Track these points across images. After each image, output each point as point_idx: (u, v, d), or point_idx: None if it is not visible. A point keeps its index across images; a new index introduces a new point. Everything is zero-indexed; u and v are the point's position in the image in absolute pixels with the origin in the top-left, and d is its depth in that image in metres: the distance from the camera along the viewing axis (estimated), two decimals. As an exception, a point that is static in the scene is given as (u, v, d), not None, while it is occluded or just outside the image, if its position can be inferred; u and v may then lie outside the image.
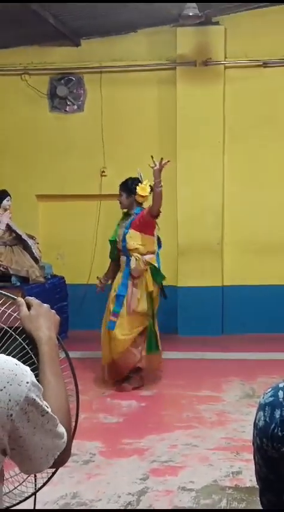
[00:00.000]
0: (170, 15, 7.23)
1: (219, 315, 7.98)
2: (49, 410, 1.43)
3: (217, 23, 7.73)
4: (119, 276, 6.00)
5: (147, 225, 5.91)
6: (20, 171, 8.17)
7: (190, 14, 6.69)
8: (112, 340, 5.85)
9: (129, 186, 6.06)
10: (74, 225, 8.27)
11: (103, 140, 8.05)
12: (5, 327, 1.74)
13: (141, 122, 8.01)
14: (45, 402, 1.43)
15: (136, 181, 6.03)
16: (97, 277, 6.39)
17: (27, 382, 1.36)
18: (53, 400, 1.53)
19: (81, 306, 8.09)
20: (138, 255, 5.88)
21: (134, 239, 5.89)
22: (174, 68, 7.84)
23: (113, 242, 6.13)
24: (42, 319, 1.67)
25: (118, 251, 6.04)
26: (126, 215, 6.13)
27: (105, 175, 8.11)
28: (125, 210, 6.16)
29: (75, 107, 8.19)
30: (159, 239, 6.18)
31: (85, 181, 8.13)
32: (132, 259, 5.86)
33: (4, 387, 1.33)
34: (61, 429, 1.47)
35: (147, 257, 5.93)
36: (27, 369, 1.40)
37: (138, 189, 5.94)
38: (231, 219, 7.96)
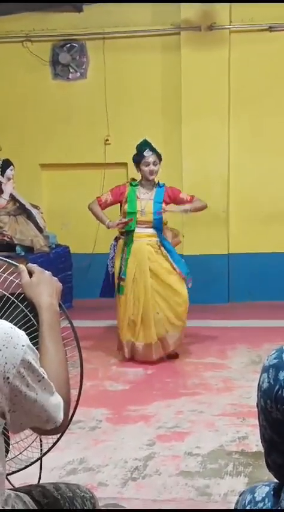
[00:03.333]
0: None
1: (225, 283, 7.97)
2: (45, 376, 1.41)
3: (221, -14, 7.58)
4: (142, 249, 5.71)
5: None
6: (23, 140, 8.11)
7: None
8: (181, 306, 5.80)
9: (158, 152, 5.85)
10: (78, 194, 8.22)
11: (107, 108, 7.96)
12: (7, 294, 1.73)
13: (145, 88, 7.91)
14: (41, 369, 1.41)
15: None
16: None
17: (23, 345, 1.35)
18: (51, 366, 1.52)
19: (86, 275, 8.07)
20: (169, 227, 5.96)
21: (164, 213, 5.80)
22: (178, 33, 7.71)
23: (133, 214, 5.73)
24: (43, 286, 1.65)
25: (139, 223, 5.73)
26: (143, 185, 5.81)
27: (108, 144, 8.04)
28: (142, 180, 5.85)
29: (78, 74, 8.09)
30: None
31: (89, 150, 8.06)
32: (170, 232, 5.92)
33: (0, 350, 1.31)
34: (57, 398, 1.45)
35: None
36: (23, 332, 1.38)
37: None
38: (237, 187, 7.90)
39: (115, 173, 8.14)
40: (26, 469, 2.03)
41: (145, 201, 5.76)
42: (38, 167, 8.29)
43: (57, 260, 7.43)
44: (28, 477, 2.13)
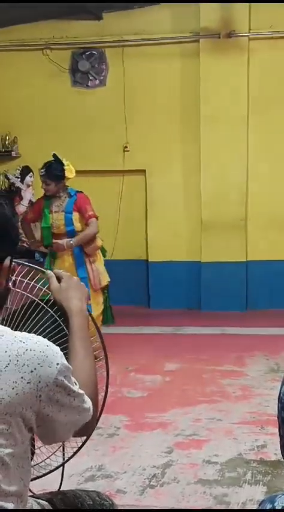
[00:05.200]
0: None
1: (243, 290, 7.95)
2: (76, 387, 1.43)
3: (241, -6, 7.59)
4: (66, 260, 5.88)
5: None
6: (42, 147, 8.13)
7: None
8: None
9: (55, 173, 5.87)
10: (97, 201, 8.18)
11: (126, 115, 7.99)
12: (37, 300, 1.75)
13: (164, 96, 7.92)
14: (73, 379, 1.43)
15: (58, 166, 5.87)
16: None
17: (58, 364, 1.37)
18: (80, 369, 1.54)
19: (104, 281, 8.08)
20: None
21: (79, 221, 5.88)
22: (198, 40, 7.72)
23: (47, 228, 5.87)
24: (72, 291, 1.67)
25: (55, 236, 5.86)
26: (54, 198, 5.92)
27: (127, 151, 8.06)
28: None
29: (97, 81, 8.13)
30: None
31: (108, 157, 8.09)
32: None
33: (35, 369, 1.34)
34: (87, 404, 1.47)
35: None
36: (58, 349, 1.40)
37: (67, 173, 5.88)
38: (255, 194, 7.88)
39: (134, 180, 8.17)
40: (46, 475, 2.04)
41: (57, 214, 5.87)
42: (56, 174, 8.31)
43: (76, 266, 7.46)
44: (46, 483, 2.13)
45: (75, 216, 5.85)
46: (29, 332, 1.69)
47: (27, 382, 1.33)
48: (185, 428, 4.44)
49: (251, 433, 4.32)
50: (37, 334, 1.65)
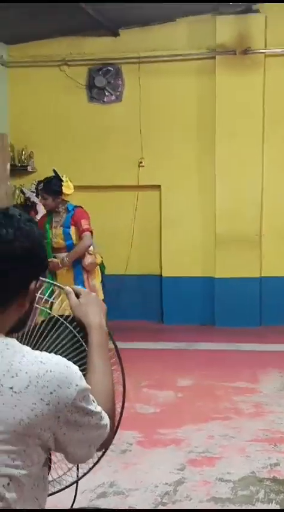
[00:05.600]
0: (210, 4, 7.15)
1: (257, 306, 7.92)
2: (94, 405, 1.43)
3: (257, 11, 7.63)
4: (65, 276, 5.92)
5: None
6: (58, 162, 8.18)
7: (230, 2, 6.61)
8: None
9: (54, 188, 6.00)
10: (112, 215, 8.28)
11: (141, 131, 8.03)
12: (56, 316, 1.77)
13: (179, 112, 7.97)
14: (91, 397, 1.43)
15: (57, 181, 6.00)
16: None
17: (77, 385, 1.38)
18: (98, 385, 1.55)
19: (118, 296, 8.10)
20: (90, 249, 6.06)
21: (75, 235, 5.98)
22: (214, 57, 7.77)
23: (47, 244, 5.90)
24: (92, 307, 1.69)
25: (55, 250, 5.97)
26: (53, 213, 6.08)
27: (142, 166, 8.10)
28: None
29: (113, 97, 8.18)
30: None
31: (123, 172, 8.13)
32: (88, 255, 6.02)
33: (54, 390, 1.35)
34: (105, 420, 1.48)
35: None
36: (77, 369, 1.41)
37: (64, 189, 5.99)
38: (270, 210, 7.88)
39: (149, 195, 8.20)
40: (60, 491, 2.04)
41: (55, 229, 6.02)
42: (72, 188, 8.36)
43: (90, 281, 7.48)
44: (59, 500, 2.13)
45: (72, 230, 5.98)
46: (48, 348, 1.70)
47: (46, 404, 1.34)
48: (198, 445, 4.42)
49: (264, 451, 4.29)
50: (56, 350, 1.67)
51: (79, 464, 1.94)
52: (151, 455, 4.26)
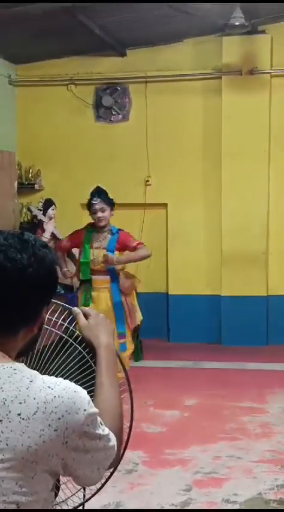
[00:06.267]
0: (216, 25, 7.21)
1: (264, 325, 7.90)
2: (102, 429, 1.43)
3: (263, 32, 7.68)
4: (102, 296, 5.79)
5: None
6: (65, 180, 8.25)
7: (237, 23, 6.66)
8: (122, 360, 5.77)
9: (109, 199, 5.85)
10: (118, 233, 8.29)
11: (148, 150, 8.07)
12: (65, 337, 1.78)
13: (186, 131, 8.00)
14: (99, 419, 1.43)
15: (106, 193, 5.91)
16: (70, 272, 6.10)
17: (85, 410, 1.38)
18: (105, 405, 1.55)
19: (125, 314, 8.09)
20: (125, 272, 5.94)
21: None
22: (220, 77, 7.81)
23: (86, 264, 5.79)
24: (101, 328, 1.71)
25: (93, 272, 5.79)
26: (95, 233, 5.87)
27: (149, 185, 8.13)
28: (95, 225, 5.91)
29: (120, 116, 8.24)
30: None
31: (130, 191, 8.15)
32: (123, 278, 5.85)
33: (62, 416, 1.35)
34: (112, 441, 1.48)
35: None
36: (85, 394, 1.41)
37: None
38: (276, 228, 7.89)
39: (155, 213, 8.22)
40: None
41: (98, 250, 5.79)
42: (79, 207, 8.37)
43: (96, 299, 7.48)
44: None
45: (116, 254, 5.79)
46: (58, 368, 1.71)
47: (55, 430, 1.33)
48: (204, 465, 4.40)
49: (271, 472, 4.27)
50: (66, 371, 1.68)
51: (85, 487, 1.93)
52: (157, 476, 4.24)
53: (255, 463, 4.42)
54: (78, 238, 5.93)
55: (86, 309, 1.78)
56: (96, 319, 1.72)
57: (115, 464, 1.57)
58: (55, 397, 1.35)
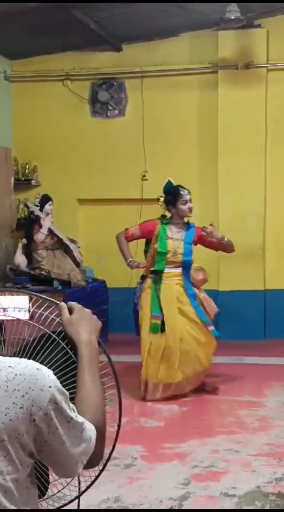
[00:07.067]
0: (211, 19, 7.20)
1: (261, 320, 7.91)
2: (74, 415, 1.42)
3: (259, 26, 7.68)
4: (173, 288, 5.72)
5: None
6: (62, 176, 8.24)
7: (232, 17, 6.66)
8: (211, 346, 5.79)
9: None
10: (115, 229, 8.22)
11: (144, 145, 8.06)
12: (48, 332, 1.76)
13: (182, 126, 8.00)
14: (71, 405, 1.42)
15: None
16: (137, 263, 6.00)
17: (50, 387, 1.36)
18: (87, 399, 1.54)
19: (122, 309, 8.08)
20: (196, 266, 5.89)
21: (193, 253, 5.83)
22: (216, 71, 7.81)
23: (164, 254, 5.73)
24: (83, 323, 1.67)
25: (167, 263, 5.73)
26: (172, 224, 5.85)
27: (146, 180, 8.13)
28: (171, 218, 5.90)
29: (117, 111, 8.22)
30: None
31: (127, 186, 8.15)
32: (194, 270, 5.83)
33: (26, 393, 1.34)
34: (89, 433, 1.46)
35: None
36: (50, 373, 1.40)
37: None
38: (273, 223, 7.89)
39: (152, 209, 8.17)
40: (64, 507, 2.03)
41: (177, 242, 5.76)
42: (75, 202, 8.40)
43: (94, 294, 7.49)
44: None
45: (192, 247, 5.80)
46: (41, 364, 1.70)
47: (20, 407, 1.33)
48: (202, 459, 4.40)
49: (269, 466, 4.27)
50: (49, 366, 1.66)
51: (80, 479, 1.93)
52: (156, 470, 4.24)
53: (253, 457, 4.42)
54: (150, 230, 5.87)
55: (72, 303, 1.74)
56: (79, 314, 1.68)
57: (97, 461, 1.55)
58: (16, 375, 1.34)
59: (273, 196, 7.84)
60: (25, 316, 1.82)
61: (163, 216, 5.96)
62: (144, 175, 8.12)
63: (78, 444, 1.42)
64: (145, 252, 6.04)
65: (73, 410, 1.43)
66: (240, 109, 7.65)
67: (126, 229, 6.07)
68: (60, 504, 2.00)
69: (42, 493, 1.80)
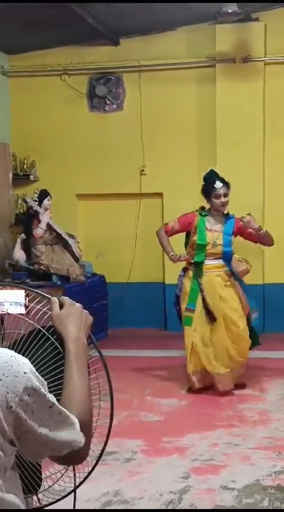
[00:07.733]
0: (209, 13, 7.18)
1: (261, 313, 7.88)
2: (53, 400, 1.41)
3: (256, 19, 7.66)
4: (215, 280, 5.68)
5: None
6: (60, 171, 8.24)
7: (229, 11, 6.64)
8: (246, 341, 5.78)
9: (229, 183, 5.81)
10: (114, 223, 8.30)
11: (143, 139, 8.05)
12: (38, 326, 1.75)
13: (180, 120, 7.99)
14: (50, 396, 1.41)
15: None
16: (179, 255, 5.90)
17: (25, 372, 1.36)
18: (74, 393, 1.53)
19: (121, 304, 8.10)
20: (238, 257, 5.89)
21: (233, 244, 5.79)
22: (214, 65, 7.80)
23: (204, 246, 5.68)
24: (72, 319, 1.66)
25: (207, 254, 5.69)
26: (210, 216, 5.77)
27: (144, 174, 8.12)
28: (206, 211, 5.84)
29: (114, 106, 8.21)
30: None
31: (125, 180, 8.14)
32: (236, 262, 5.83)
33: (0, 380, 1.33)
34: (73, 420, 1.44)
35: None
36: (25, 360, 1.39)
37: None
38: (272, 217, 7.87)
39: (151, 203, 8.22)
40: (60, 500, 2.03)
41: (217, 233, 5.70)
42: (74, 197, 8.39)
43: (93, 289, 7.50)
44: (63, 508, 2.12)
45: (233, 238, 5.75)
46: (31, 359, 1.69)
47: None
48: (202, 453, 4.41)
49: (269, 459, 4.28)
50: (39, 361, 1.65)
51: (76, 472, 1.92)
52: (156, 464, 4.25)
53: (253, 450, 4.44)
54: (189, 222, 5.80)
55: (63, 298, 1.73)
56: (69, 309, 1.67)
57: (84, 455, 1.54)
58: None
59: (272, 190, 7.83)
60: (21, 310, 1.82)
61: (202, 208, 5.89)
62: (143, 170, 8.12)
63: (62, 428, 1.41)
64: (186, 244, 5.97)
65: (53, 400, 1.42)
66: (238, 103, 7.63)
67: (166, 224, 6.04)
68: (57, 498, 2.00)
69: (37, 485, 1.80)
